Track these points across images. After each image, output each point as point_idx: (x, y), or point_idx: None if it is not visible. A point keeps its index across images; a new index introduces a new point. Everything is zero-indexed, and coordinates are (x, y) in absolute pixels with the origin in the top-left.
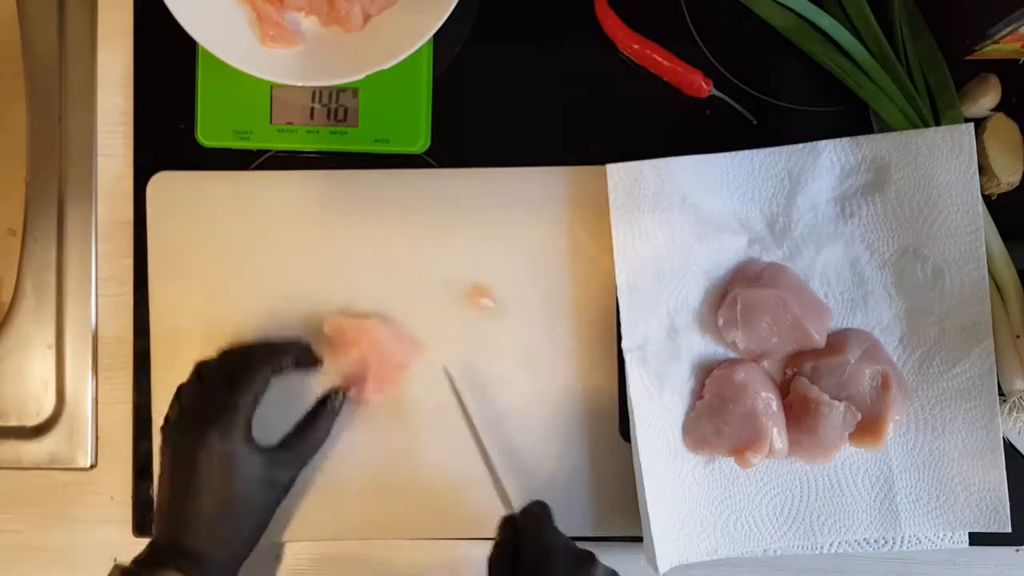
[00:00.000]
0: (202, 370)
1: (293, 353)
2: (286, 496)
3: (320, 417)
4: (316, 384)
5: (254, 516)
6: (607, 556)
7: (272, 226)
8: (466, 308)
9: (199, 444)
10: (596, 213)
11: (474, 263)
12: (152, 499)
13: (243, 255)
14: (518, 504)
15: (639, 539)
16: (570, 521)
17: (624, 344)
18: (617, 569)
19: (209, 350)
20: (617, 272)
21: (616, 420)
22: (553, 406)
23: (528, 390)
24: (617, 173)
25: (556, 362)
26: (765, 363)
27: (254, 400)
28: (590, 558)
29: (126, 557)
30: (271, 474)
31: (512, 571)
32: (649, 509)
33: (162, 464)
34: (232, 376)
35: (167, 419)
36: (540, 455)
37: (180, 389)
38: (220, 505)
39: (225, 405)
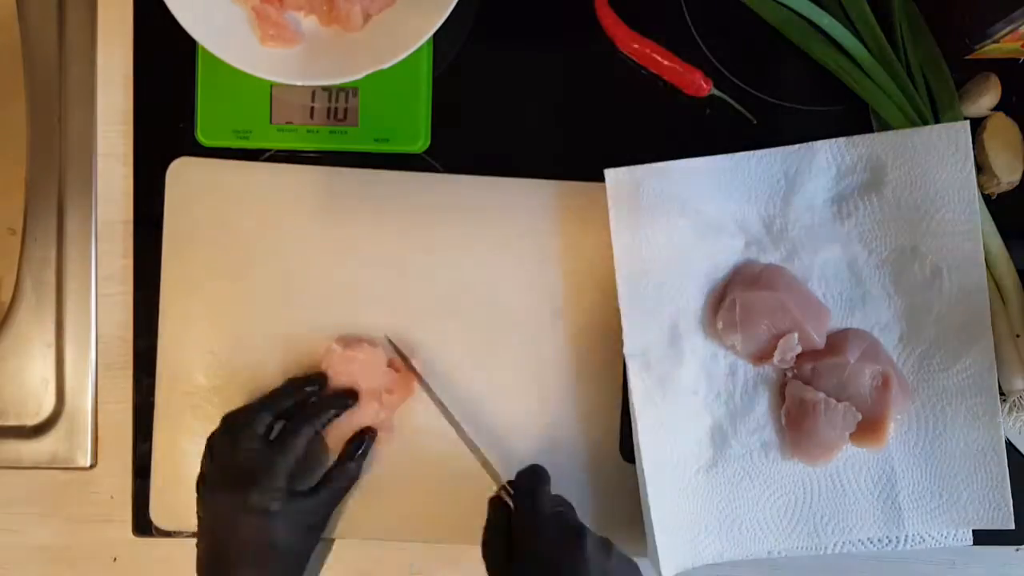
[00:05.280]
0: (232, 423)
1: (335, 410)
2: (324, 530)
3: (351, 457)
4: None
5: (297, 564)
6: None
7: (286, 216)
8: (467, 314)
9: (239, 505)
10: (596, 219)
11: (474, 270)
12: (149, 499)
13: (254, 243)
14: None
15: (641, 554)
16: None
17: (626, 350)
18: None
19: (218, 342)
20: (618, 277)
21: (617, 438)
22: (554, 418)
23: (529, 400)
24: (616, 177)
25: (557, 372)
26: (766, 364)
27: (295, 458)
28: (580, 531)
29: (126, 556)
30: (310, 520)
31: (506, 552)
32: (652, 515)
33: (201, 521)
34: (274, 435)
35: (202, 475)
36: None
37: (211, 442)
38: (262, 561)
39: (267, 465)
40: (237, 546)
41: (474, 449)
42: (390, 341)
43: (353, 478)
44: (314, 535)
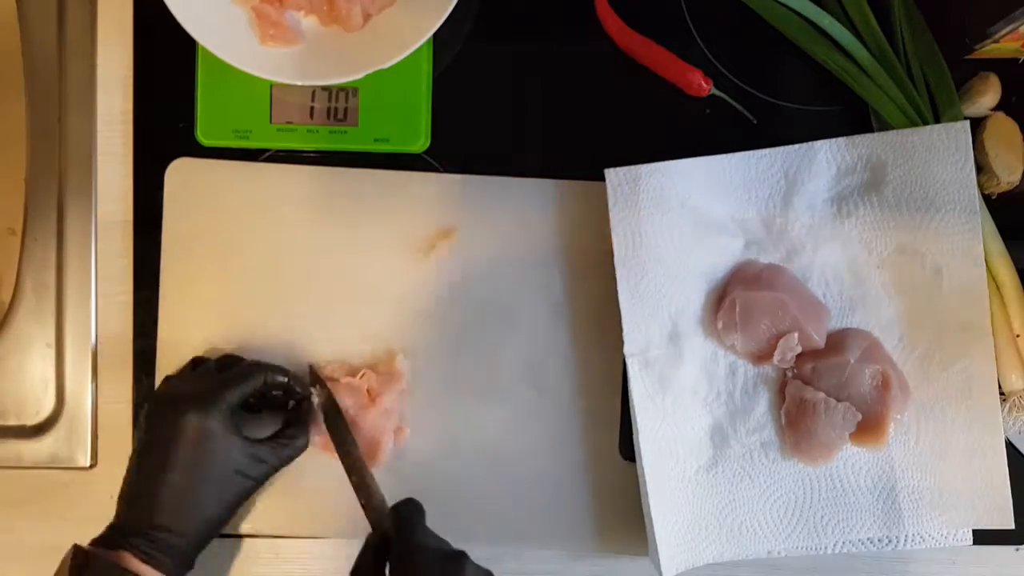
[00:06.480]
0: (196, 362)
1: (288, 378)
2: (255, 491)
3: (290, 424)
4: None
5: (222, 501)
6: (610, 562)
7: (286, 217)
8: (467, 314)
9: (178, 418)
10: (596, 219)
11: (474, 269)
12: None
13: (254, 243)
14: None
15: (641, 554)
16: (571, 537)
17: (626, 349)
18: (620, 574)
19: (216, 341)
20: (618, 276)
21: (617, 438)
22: (554, 418)
23: (529, 400)
24: (616, 177)
25: (556, 372)
26: (766, 364)
27: (240, 395)
28: (460, 557)
29: None
30: (247, 465)
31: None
32: (653, 515)
33: (136, 442)
34: (225, 370)
35: (149, 399)
36: (541, 469)
37: (167, 376)
38: (190, 481)
39: (211, 390)
40: (171, 458)
41: (361, 485)
42: (312, 368)
43: (297, 447)
44: (247, 483)
